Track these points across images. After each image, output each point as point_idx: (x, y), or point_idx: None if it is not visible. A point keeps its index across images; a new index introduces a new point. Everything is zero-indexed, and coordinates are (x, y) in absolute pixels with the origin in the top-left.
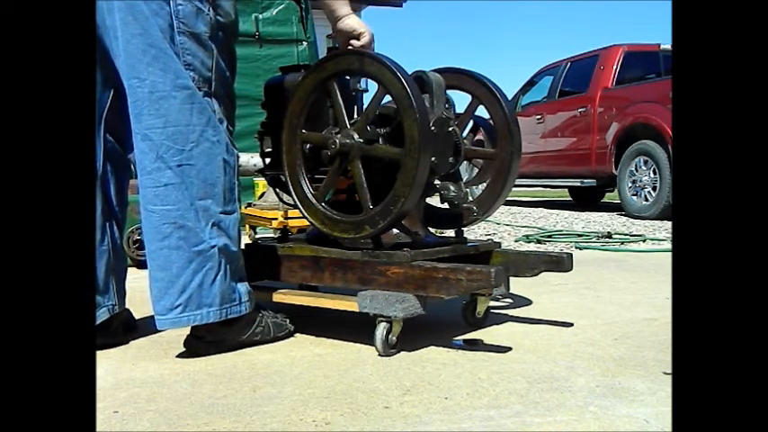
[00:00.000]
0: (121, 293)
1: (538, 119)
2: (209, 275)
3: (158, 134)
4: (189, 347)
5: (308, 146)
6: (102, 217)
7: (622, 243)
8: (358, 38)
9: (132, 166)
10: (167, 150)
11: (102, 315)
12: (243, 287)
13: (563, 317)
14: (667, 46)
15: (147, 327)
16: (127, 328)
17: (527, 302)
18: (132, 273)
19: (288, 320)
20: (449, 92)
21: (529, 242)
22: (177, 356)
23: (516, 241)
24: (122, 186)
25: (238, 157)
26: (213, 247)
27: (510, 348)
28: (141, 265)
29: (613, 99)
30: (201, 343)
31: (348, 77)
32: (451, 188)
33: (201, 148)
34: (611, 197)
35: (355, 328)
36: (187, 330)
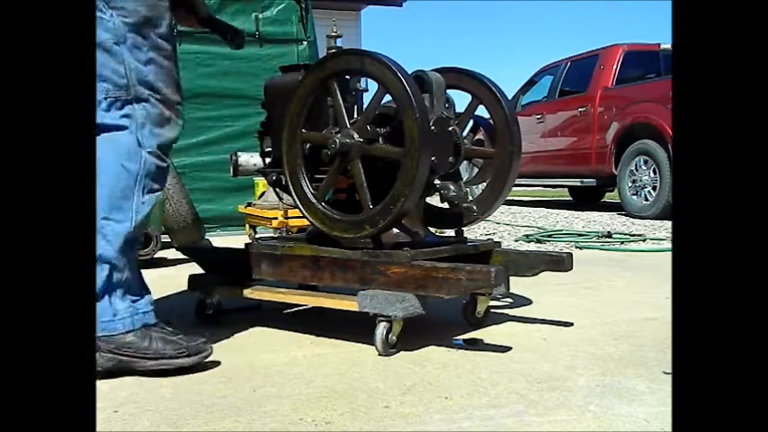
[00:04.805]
0: None
1: (538, 118)
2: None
3: None
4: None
5: (307, 145)
6: None
7: (622, 243)
8: None
9: None
10: None
11: None
12: (122, 303)
13: (563, 317)
14: (667, 46)
15: None
16: None
17: (527, 302)
18: None
19: (202, 340)
20: (449, 92)
21: (529, 242)
22: None
23: (516, 241)
24: None
25: (164, 165)
26: None
27: (510, 348)
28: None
29: (613, 99)
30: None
31: (348, 77)
32: (451, 188)
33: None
34: (611, 197)
35: (355, 328)
36: None
